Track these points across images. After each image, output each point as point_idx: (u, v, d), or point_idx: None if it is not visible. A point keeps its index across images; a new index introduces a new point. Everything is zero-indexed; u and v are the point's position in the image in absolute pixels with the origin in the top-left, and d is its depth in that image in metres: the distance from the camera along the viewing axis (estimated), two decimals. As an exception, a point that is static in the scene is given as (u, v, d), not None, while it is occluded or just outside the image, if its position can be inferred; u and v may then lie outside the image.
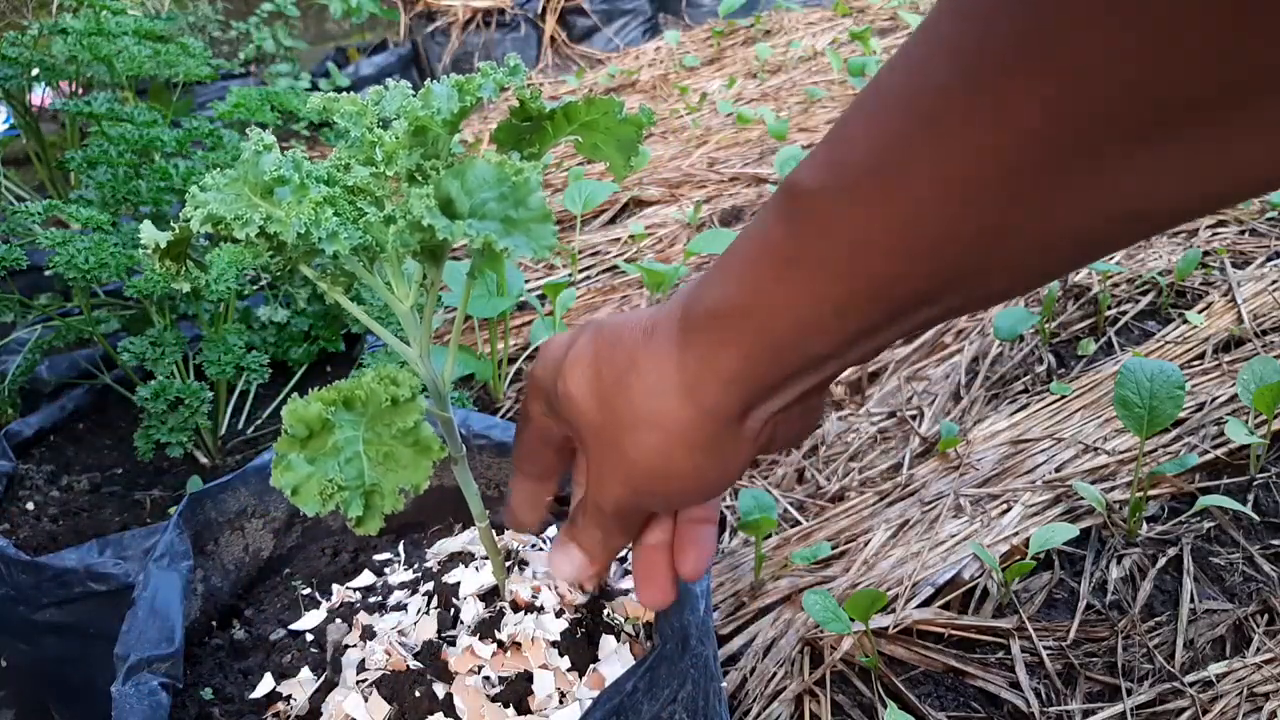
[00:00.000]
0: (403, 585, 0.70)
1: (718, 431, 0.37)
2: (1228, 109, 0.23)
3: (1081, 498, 1.04)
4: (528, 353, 1.45)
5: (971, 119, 0.26)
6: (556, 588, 0.64)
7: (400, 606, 0.67)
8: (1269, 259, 1.45)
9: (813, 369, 0.35)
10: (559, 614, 0.62)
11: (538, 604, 0.63)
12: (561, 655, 0.59)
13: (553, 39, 3.48)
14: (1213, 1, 0.21)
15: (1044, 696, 0.86)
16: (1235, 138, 0.23)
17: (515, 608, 0.63)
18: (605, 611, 0.63)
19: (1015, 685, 0.87)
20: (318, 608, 0.70)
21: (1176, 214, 0.27)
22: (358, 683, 0.60)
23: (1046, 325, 1.38)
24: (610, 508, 0.43)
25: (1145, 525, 1.03)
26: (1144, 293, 1.44)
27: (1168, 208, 0.27)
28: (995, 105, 0.25)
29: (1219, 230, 1.56)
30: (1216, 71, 0.22)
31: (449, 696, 0.58)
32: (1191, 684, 0.85)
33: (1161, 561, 0.98)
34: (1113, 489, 1.06)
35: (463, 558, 0.69)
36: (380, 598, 0.69)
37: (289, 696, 0.62)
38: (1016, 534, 1.00)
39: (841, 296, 0.31)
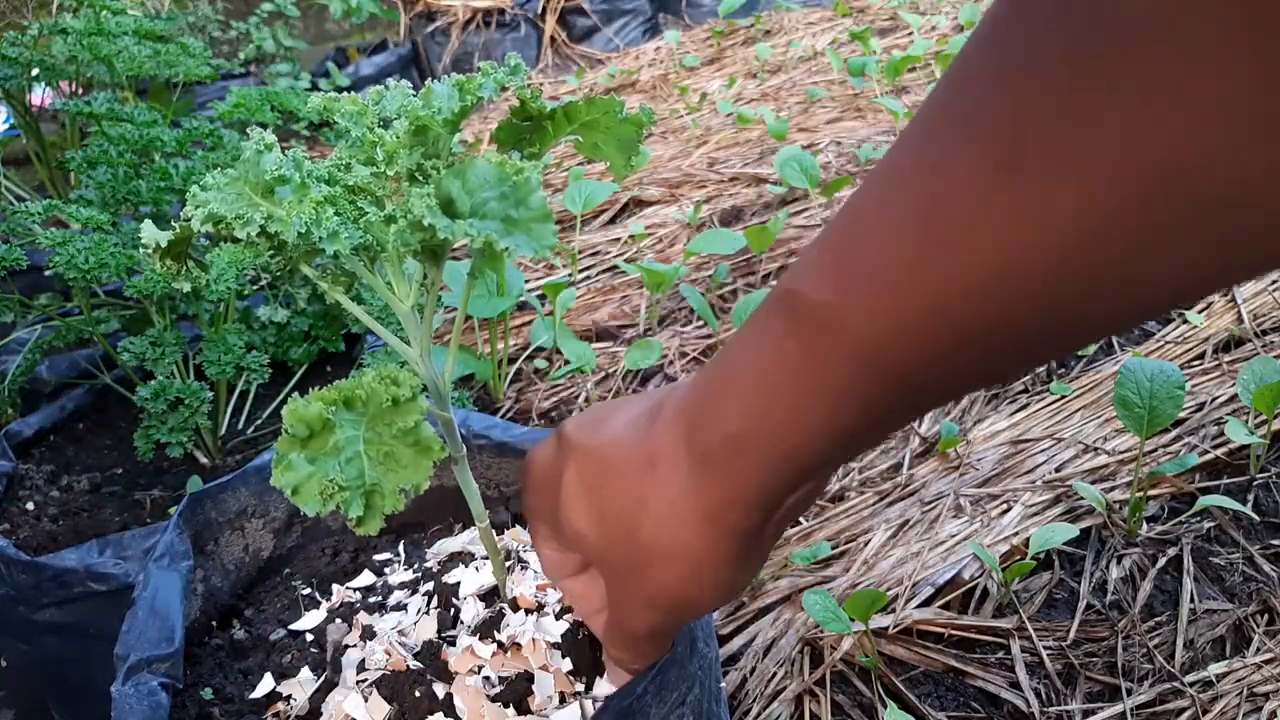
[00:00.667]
0: (403, 585, 0.70)
1: (742, 546, 0.37)
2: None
3: (1081, 498, 1.04)
4: (527, 353, 1.45)
5: (995, 219, 0.24)
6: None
7: (400, 606, 0.67)
8: (1269, 259, 1.45)
9: (830, 467, 0.35)
10: (559, 615, 0.62)
11: (538, 604, 0.63)
12: (563, 657, 0.59)
13: (553, 39, 3.48)
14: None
15: (1044, 696, 0.86)
16: None
17: (515, 608, 0.63)
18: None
19: (1015, 685, 0.87)
20: (318, 608, 0.70)
21: (1214, 287, 0.26)
22: (358, 683, 0.60)
23: (1046, 325, 1.38)
24: (645, 633, 0.42)
25: (1145, 525, 1.03)
26: (1144, 293, 1.44)
27: (1212, 283, 0.25)
28: (1026, 205, 0.24)
29: (1219, 230, 1.56)
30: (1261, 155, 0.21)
31: (449, 696, 0.58)
32: (1191, 684, 0.85)
33: (1161, 561, 0.98)
34: (1113, 489, 1.06)
35: (463, 558, 0.69)
36: (380, 598, 0.69)
37: (289, 696, 0.62)
38: (1016, 534, 1.00)
39: (871, 408, 0.30)
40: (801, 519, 1.10)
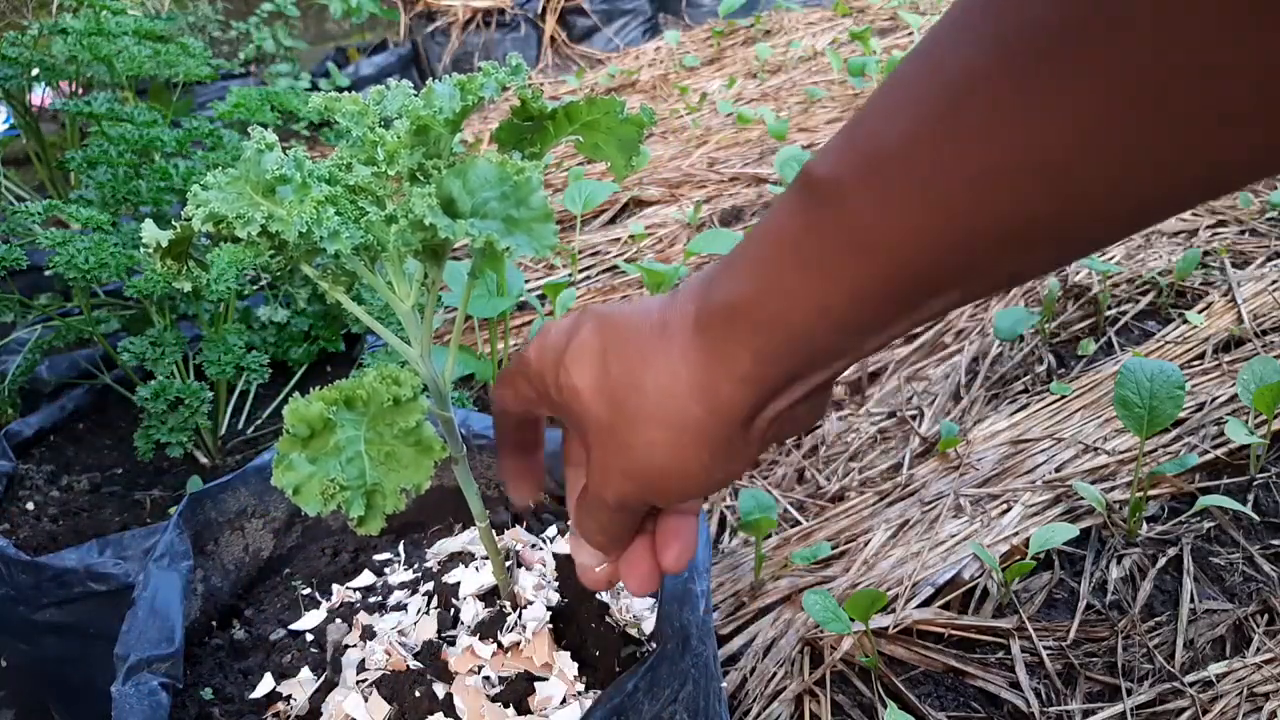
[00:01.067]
0: (403, 585, 0.70)
1: (729, 431, 0.37)
2: None
3: (1081, 498, 1.04)
4: (528, 353, 1.45)
5: (1005, 106, 0.25)
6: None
7: (400, 606, 0.67)
8: (1269, 259, 1.45)
9: (823, 364, 0.35)
10: (555, 614, 0.63)
11: (538, 603, 0.63)
12: (562, 645, 0.59)
13: (553, 39, 3.48)
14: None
15: (1044, 696, 0.86)
16: None
17: (515, 606, 0.63)
18: (608, 613, 0.63)
19: (1015, 685, 0.87)
20: (318, 608, 0.70)
21: (1229, 188, 0.26)
22: (358, 683, 0.60)
23: (1046, 325, 1.38)
24: (613, 501, 0.42)
25: (1145, 525, 1.03)
26: (1144, 293, 1.44)
27: (1218, 188, 0.26)
28: (1033, 91, 0.24)
29: (1219, 230, 1.56)
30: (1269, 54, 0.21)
31: (449, 696, 0.58)
32: (1191, 684, 0.85)
33: (1161, 561, 0.98)
34: (1113, 489, 1.06)
35: (463, 558, 0.69)
36: (380, 598, 0.69)
37: (289, 696, 0.62)
38: (1016, 534, 1.00)
39: (859, 287, 0.31)
40: (801, 519, 1.10)
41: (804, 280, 0.32)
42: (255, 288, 1.20)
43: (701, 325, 0.36)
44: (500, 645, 0.60)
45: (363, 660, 0.62)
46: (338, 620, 0.67)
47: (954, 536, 1.01)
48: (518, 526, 0.74)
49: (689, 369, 0.36)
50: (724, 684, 0.84)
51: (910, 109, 0.28)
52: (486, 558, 0.67)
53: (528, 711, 0.57)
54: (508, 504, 0.78)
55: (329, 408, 0.42)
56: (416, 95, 0.47)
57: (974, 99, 0.26)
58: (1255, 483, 1.06)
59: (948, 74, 0.27)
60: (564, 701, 0.58)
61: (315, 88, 2.74)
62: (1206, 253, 1.48)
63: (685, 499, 0.42)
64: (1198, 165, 0.24)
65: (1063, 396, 1.23)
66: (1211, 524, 1.02)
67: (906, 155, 0.28)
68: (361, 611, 0.67)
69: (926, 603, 0.94)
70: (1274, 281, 1.38)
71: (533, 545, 0.71)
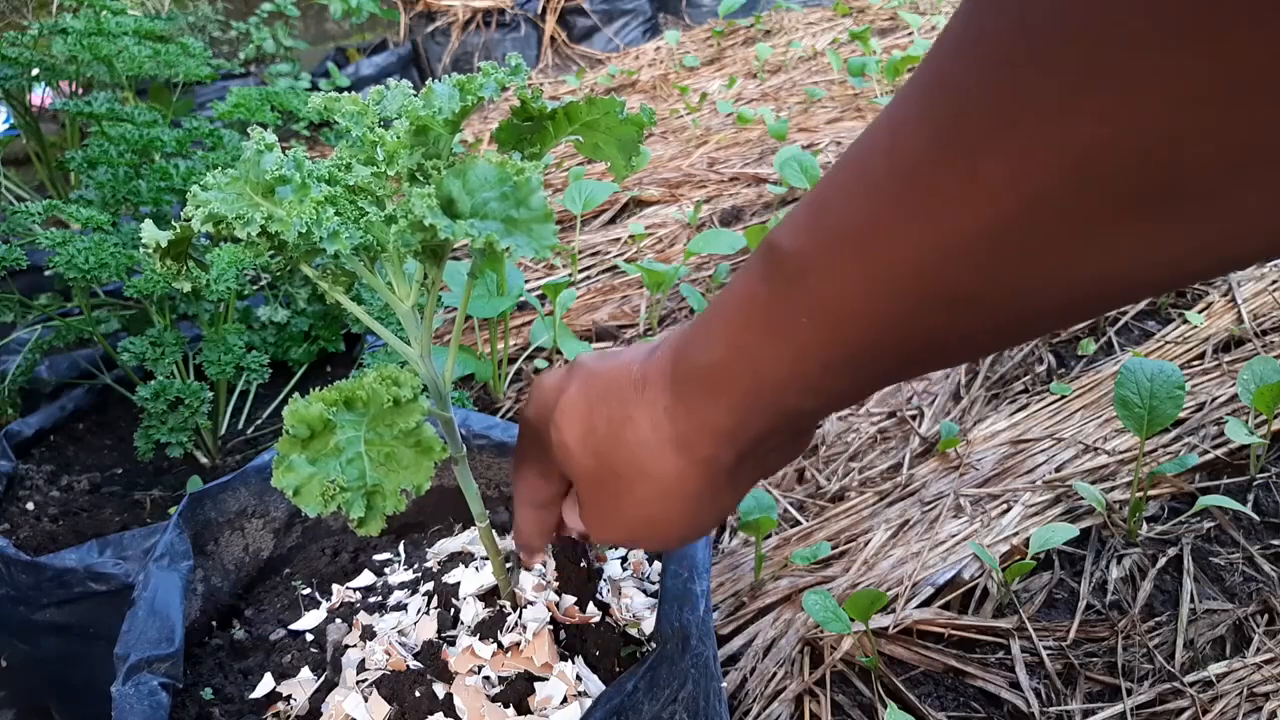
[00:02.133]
0: (403, 585, 0.70)
1: (711, 481, 0.38)
2: (1226, 178, 0.21)
3: (1081, 498, 1.04)
4: (527, 353, 1.45)
5: (943, 190, 0.25)
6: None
7: (400, 606, 0.67)
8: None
9: (799, 420, 0.36)
10: (558, 624, 0.62)
11: (538, 603, 0.63)
12: (560, 647, 0.59)
13: (553, 39, 3.48)
14: (1208, 73, 0.20)
15: (1044, 696, 0.86)
16: (1224, 213, 0.22)
17: (515, 606, 0.63)
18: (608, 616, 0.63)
19: (1015, 685, 0.87)
20: (318, 608, 0.70)
21: (1157, 285, 0.26)
22: (358, 683, 0.60)
23: (1046, 325, 1.38)
24: (620, 543, 0.44)
25: (1145, 525, 1.03)
26: (1144, 293, 1.44)
27: (1152, 279, 0.26)
28: (967, 178, 0.25)
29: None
30: (1215, 143, 0.21)
31: (449, 696, 0.58)
32: (1191, 684, 0.85)
33: (1161, 561, 0.98)
34: (1113, 489, 1.06)
35: (463, 558, 0.69)
36: (380, 598, 0.69)
37: (289, 696, 0.62)
38: (1016, 534, 1.00)
39: (828, 357, 0.32)
40: (801, 519, 1.10)
41: (774, 348, 0.33)
42: (255, 288, 1.21)
43: (679, 384, 0.37)
44: (500, 645, 0.60)
45: (363, 660, 0.62)
46: (338, 620, 0.67)
47: (954, 536, 1.01)
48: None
49: (671, 424, 0.38)
50: (724, 684, 0.84)
51: (867, 190, 0.28)
52: (486, 558, 0.67)
53: (528, 711, 0.57)
54: (508, 504, 0.78)
55: (329, 408, 0.42)
56: (416, 95, 0.47)
57: (920, 183, 0.26)
58: (1255, 483, 1.06)
59: (899, 155, 0.27)
60: (564, 701, 0.58)
61: (315, 88, 2.74)
62: (1206, 253, 1.48)
63: (678, 544, 0.44)
64: (1094, 263, 0.24)
65: (1063, 396, 1.23)
66: (1211, 524, 1.02)
67: (863, 235, 0.29)
68: (361, 611, 0.67)
69: (926, 603, 0.94)
70: (1274, 281, 1.38)
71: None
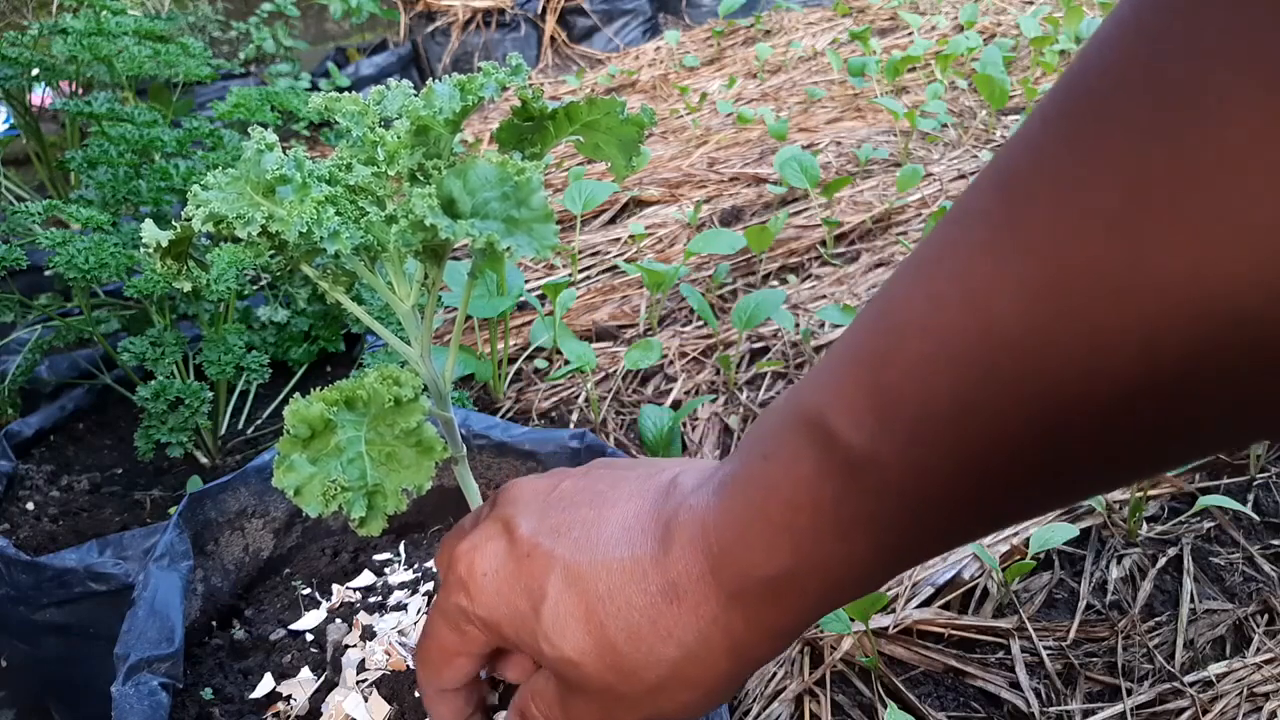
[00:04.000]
0: (403, 585, 0.70)
1: (753, 670, 0.36)
2: None
3: (1081, 498, 1.03)
4: (527, 353, 1.45)
5: (1056, 363, 0.22)
6: None
7: (400, 606, 0.67)
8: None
9: (880, 585, 0.34)
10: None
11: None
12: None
13: (553, 39, 3.48)
14: None
15: (1044, 696, 0.86)
16: None
17: None
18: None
19: (1015, 685, 0.87)
20: (318, 608, 0.70)
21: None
22: (358, 683, 0.60)
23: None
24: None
25: (1145, 525, 1.03)
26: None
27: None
28: (1085, 348, 0.22)
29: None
30: None
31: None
32: (1191, 684, 0.85)
33: (1161, 561, 0.98)
34: (1113, 489, 1.06)
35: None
36: (380, 598, 0.69)
37: (289, 696, 0.62)
38: (1016, 534, 1.00)
39: (906, 544, 0.29)
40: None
41: (846, 551, 0.30)
42: (255, 288, 1.20)
43: (734, 596, 0.33)
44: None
45: (363, 660, 0.62)
46: (338, 620, 0.67)
47: (954, 536, 1.01)
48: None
49: (725, 637, 0.34)
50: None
51: (952, 366, 0.25)
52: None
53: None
54: (508, 504, 0.77)
55: (329, 408, 0.42)
56: (416, 95, 0.47)
57: (1021, 352, 0.23)
58: (1255, 483, 1.06)
59: (980, 315, 0.24)
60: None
61: (315, 88, 2.74)
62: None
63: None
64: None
65: (1063, 396, 1.23)
66: (1211, 524, 1.02)
67: (954, 421, 0.25)
68: (361, 611, 0.67)
69: (926, 603, 0.94)
70: (1274, 281, 1.38)
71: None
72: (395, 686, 0.59)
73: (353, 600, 0.70)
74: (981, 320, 0.24)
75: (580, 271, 1.71)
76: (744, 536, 0.32)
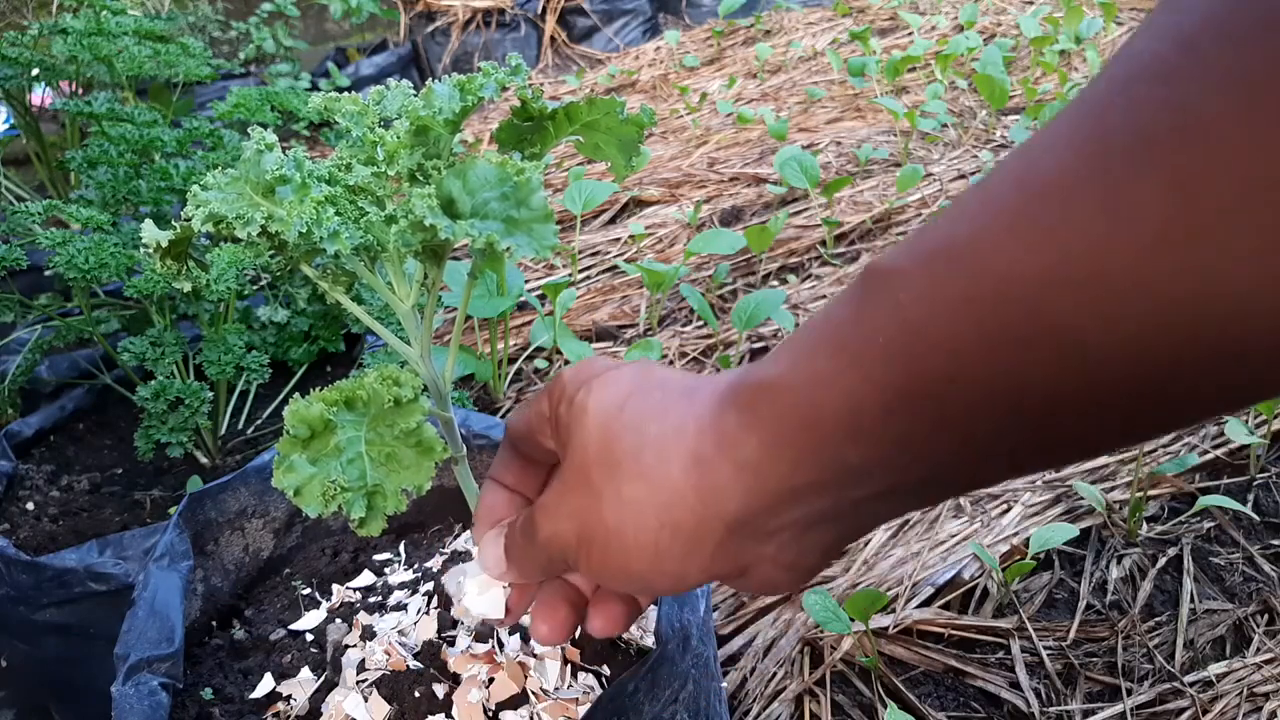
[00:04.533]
0: (403, 585, 0.70)
1: (703, 525, 0.32)
2: None
3: (1081, 498, 1.04)
4: (527, 353, 1.45)
5: (1079, 214, 0.23)
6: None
7: (400, 606, 0.67)
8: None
9: (831, 487, 0.30)
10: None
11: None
12: (564, 664, 0.59)
13: (553, 39, 3.48)
14: None
15: (1044, 696, 0.86)
16: None
17: (513, 631, 0.62)
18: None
19: (1015, 685, 0.87)
20: (318, 608, 0.70)
21: None
22: (358, 683, 0.60)
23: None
24: (543, 536, 0.37)
25: (1145, 525, 1.03)
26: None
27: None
28: (1111, 201, 0.23)
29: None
30: None
31: (449, 697, 0.58)
32: (1191, 684, 0.85)
33: (1161, 561, 0.98)
34: (1113, 489, 1.06)
35: (462, 557, 0.69)
36: (380, 598, 0.69)
37: (289, 696, 0.62)
38: (1016, 534, 1.00)
39: (891, 390, 0.28)
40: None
41: (837, 372, 0.29)
42: (255, 288, 1.21)
43: (724, 398, 0.33)
44: (500, 644, 0.60)
45: (363, 660, 0.62)
46: (338, 620, 0.67)
47: (954, 536, 1.01)
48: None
49: (694, 433, 0.33)
50: (724, 684, 0.84)
51: (986, 211, 0.26)
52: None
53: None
54: (508, 504, 0.77)
55: (329, 409, 0.42)
56: (416, 95, 0.47)
57: (1052, 202, 0.24)
58: (1255, 483, 1.06)
59: (1031, 178, 0.25)
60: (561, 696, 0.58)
61: (315, 88, 2.74)
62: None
63: (629, 581, 0.36)
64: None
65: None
66: (1211, 524, 1.02)
67: (971, 253, 0.26)
68: (361, 611, 0.67)
69: (926, 603, 0.94)
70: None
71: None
72: (395, 686, 0.58)
73: (353, 600, 0.70)
74: (1025, 181, 0.25)
75: (580, 271, 1.71)
76: (765, 358, 0.32)
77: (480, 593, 0.45)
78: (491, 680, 0.58)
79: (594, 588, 0.42)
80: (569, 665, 0.59)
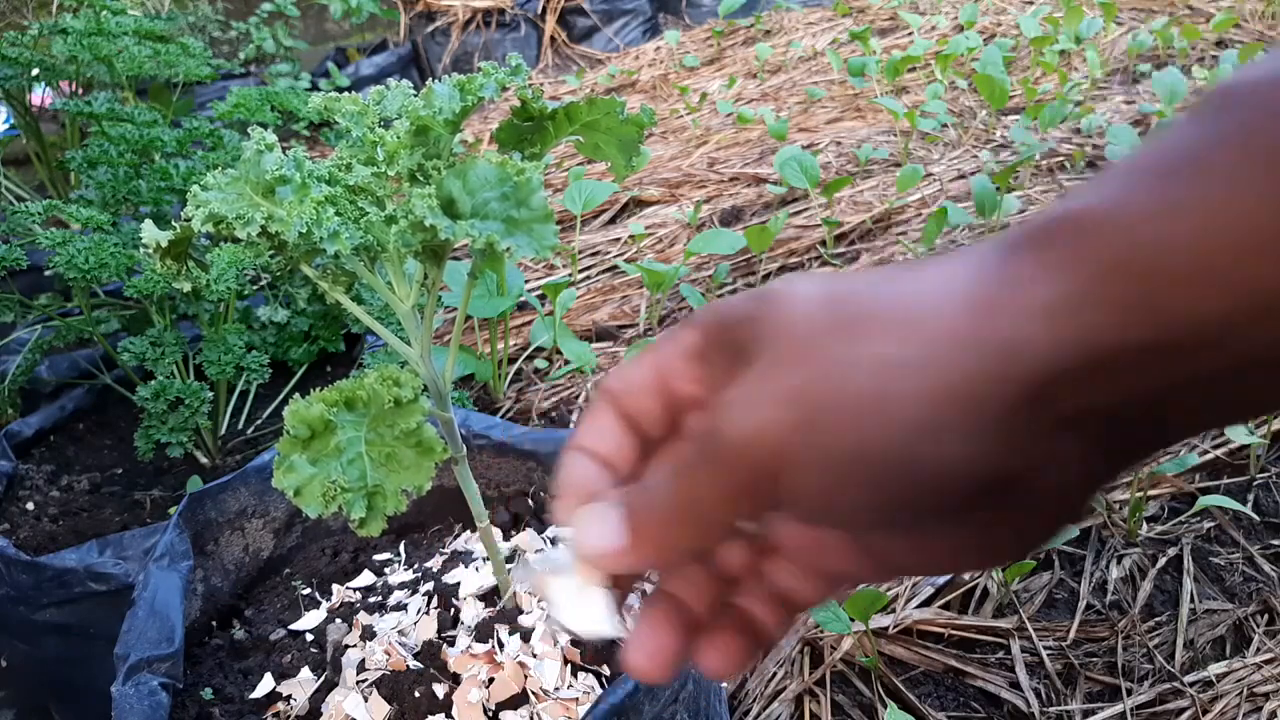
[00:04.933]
0: (403, 585, 0.70)
1: (993, 384, 0.23)
2: None
3: (1081, 498, 1.03)
4: (527, 353, 1.45)
5: None
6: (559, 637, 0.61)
7: (400, 606, 0.67)
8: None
9: (1188, 343, 0.22)
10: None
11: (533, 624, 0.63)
12: (564, 664, 0.59)
13: (553, 39, 3.48)
14: None
15: (1044, 696, 0.86)
16: None
17: (513, 631, 0.62)
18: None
19: (1015, 685, 0.87)
20: (318, 608, 0.70)
21: None
22: (358, 683, 0.60)
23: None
24: (738, 438, 0.25)
25: (1145, 525, 1.03)
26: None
27: None
28: None
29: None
30: None
31: (449, 697, 0.58)
32: (1191, 684, 0.85)
33: (1161, 561, 0.98)
34: (1113, 489, 1.06)
35: (463, 557, 0.69)
36: (380, 598, 0.69)
37: (289, 696, 0.62)
38: (1016, 534, 1.00)
39: (1265, 224, 0.20)
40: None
41: (1195, 189, 0.21)
42: (255, 288, 1.21)
43: (1011, 243, 0.24)
44: (500, 644, 0.60)
45: (363, 660, 0.62)
46: (338, 620, 0.67)
47: (954, 536, 1.01)
48: (528, 530, 0.74)
49: (970, 279, 0.24)
50: (724, 684, 0.84)
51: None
52: (486, 558, 0.67)
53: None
54: (508, 504, 0.78)
55: (330, 409, 0.42)
56: (416, 95, 0.47)
57: None
58: (1255, 483, 1.06)
59: None
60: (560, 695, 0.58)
61: (315, 88, 2.74)
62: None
63: (874, 491, 0.24)
64: None
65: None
66: (1211, 524, 1.02)
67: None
68: (361, 611, 0.67)
69: (926, 603, 0.94)
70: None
71: (537, 550, 0.71)
72: (395, 686, 0.59)
73: (353, 600, 0.70)
74: None
75: (580, 271, 1.71)
76: (1057, 202, 0.24)
77: (572, 603, 0.31)
78: (491, 680, 0.58)
79: (712, 606, 0.30)
80: (569, 665, 0.59)
